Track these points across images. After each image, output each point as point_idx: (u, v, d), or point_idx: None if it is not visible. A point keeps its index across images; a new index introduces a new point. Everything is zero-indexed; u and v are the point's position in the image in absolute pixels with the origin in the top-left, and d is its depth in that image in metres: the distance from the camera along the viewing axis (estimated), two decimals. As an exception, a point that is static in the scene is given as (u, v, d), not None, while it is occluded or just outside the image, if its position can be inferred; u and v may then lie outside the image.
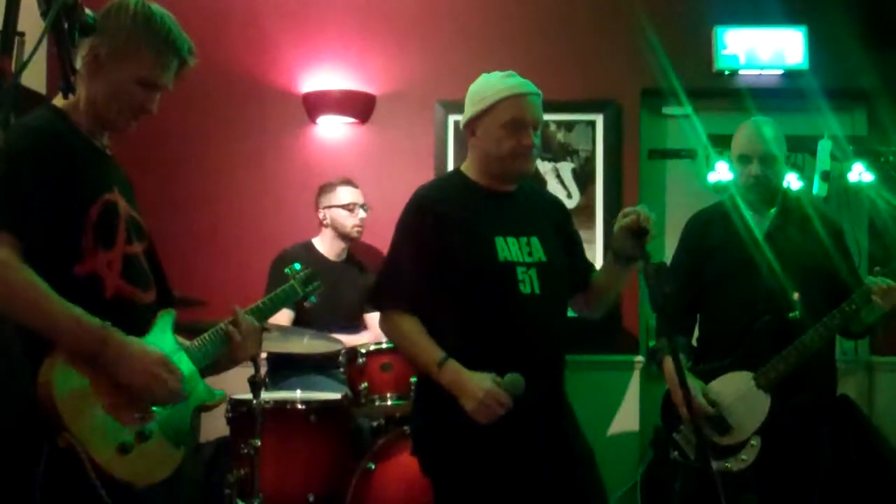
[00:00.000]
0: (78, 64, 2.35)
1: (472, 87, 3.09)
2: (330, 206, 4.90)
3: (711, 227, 3.77)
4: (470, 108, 3.05)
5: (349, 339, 4.49)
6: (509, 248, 2.95)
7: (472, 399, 2.80)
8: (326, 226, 4.91)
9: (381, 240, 5.18)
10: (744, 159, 3.67)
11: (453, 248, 2.94)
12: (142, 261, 2.54)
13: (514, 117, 2.96)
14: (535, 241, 3.01)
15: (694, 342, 3.82)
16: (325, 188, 4.96)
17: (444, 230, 2.95)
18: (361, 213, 4.91)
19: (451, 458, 2.91)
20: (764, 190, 3.66)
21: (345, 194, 4.92)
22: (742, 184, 3.71)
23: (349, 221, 4.89)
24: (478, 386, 2.80)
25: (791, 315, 3.53)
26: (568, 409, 3.08)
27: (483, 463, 2.85)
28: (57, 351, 2.25)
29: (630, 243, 2.88)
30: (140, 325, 2.46)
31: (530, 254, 2.98)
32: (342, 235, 4.91)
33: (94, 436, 2.26)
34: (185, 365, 2.54)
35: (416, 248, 2.98)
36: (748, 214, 3.69)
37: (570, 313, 3.19)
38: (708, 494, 3.44)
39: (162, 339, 2.51)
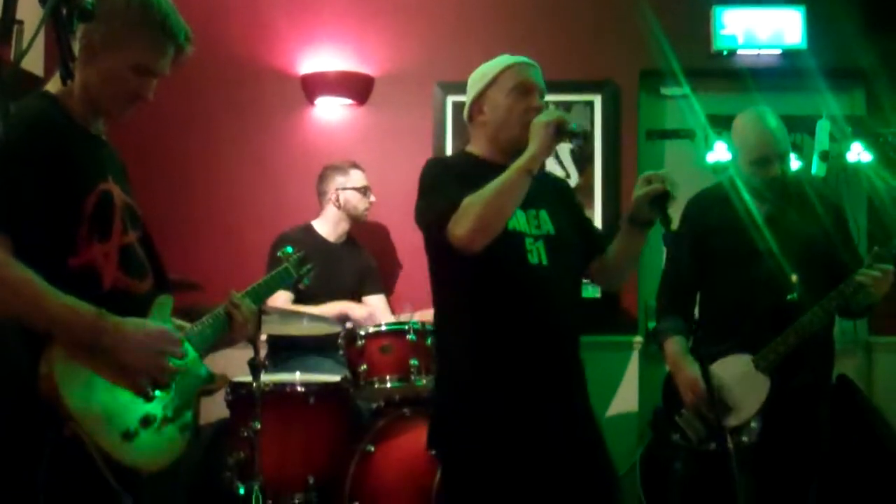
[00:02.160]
0: (75, 50, 2.31)
1: (473, 74, 3.12)
2: (345, 188, 4.91)
3: (711, 209, 3.75)
4: (473, 88, 3.08)
5: (346, 306, 4.59)
6: (517, 219, 2.94)
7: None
8: (338, 206, 4.91)
9: (380, 220, 5.20)
10: (764, 161, 3.59)
11: None
12: (137, 249, 2.51)
13: (520, 81, 3.01)
14: (543, 214, 3.01)
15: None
16: (337, 170, 4.96)
17: (462, 187, 2.90)
18: (372, 197, 4.95)
19: (462, 439, 2.90)
20: (782, 185, 3.65)
21: (358, 177, 4.95)
22: (760, 181, 3.63)
23: (362, 204, 4.92)
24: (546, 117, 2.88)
25: (790, 297, 3.52)
26: (581, 381, 3.06)
27: (495, 437, 2.85)
28: (56, 341, 2.24)
29: (650, 209, 2.88)
30: (138, 314, 2.43)
31: (538, 226, 2.98)
32: (353, 217, 4.93)
33: (99, 423, 2.26)
34: (186, 347, 2.52)
35: (450, 176, 2.97)
36: (748, 197, 3.67)
37: (587, 293, 3.17)
38: (708, 476, 3.46)
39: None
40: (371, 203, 4.95)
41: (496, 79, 3.03)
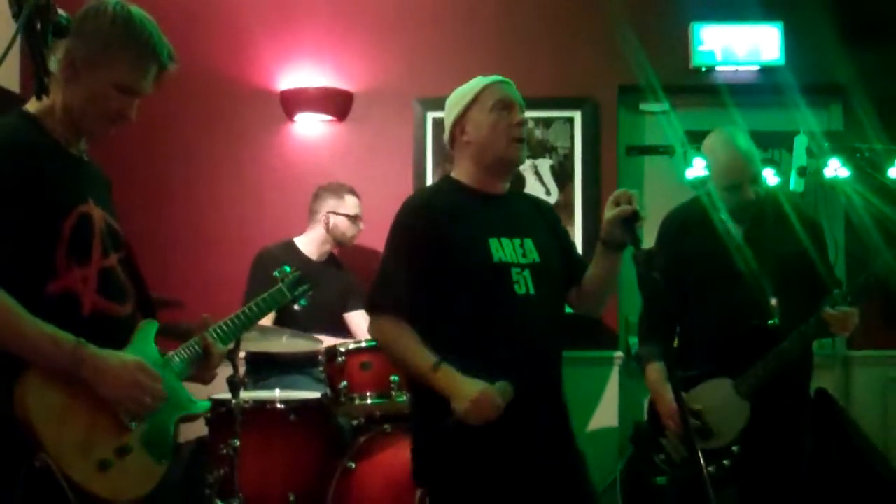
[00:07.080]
0: (52, 66, 2.26)
1: (449, 98, 3.15)
2: (336, 213, 4.88)
3: (688, 231, 3.73)
4: (453, 110, 3.10)
5: (332, 340, 4.51)
6: (503, 249, 2.96)
7: (465, 400, 2.78)
8: (326, 229, 4.89)
9: (360, 237, 5.20)
10: (736, 187, 3.59)
11: (448, 248, 2.93)
12: (119, 272, 2.48)
13: (500, 98, 3.05)
14: (528, 242, 3.03)
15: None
16: (332, 192, 4.93)
17: (439, 230, 2.95)
18: (361, 226, 4.93)
19: (449, 465, 2.90)
20: (755, 206, 3.63)
21: (352, 204, 4.92)
22: (734, 206, 3.63)
23: (350, 232, 4.90)
24: (472, 388, 2.79)
25: (770, 322, 3.52)
26: (564, 410, 3.07)
27: (481, 467, 2.84)
28: (33, 369, 2.21)
29: (621, 229, 2.87)
30: (120, 339, 2.41)
31: (524, 255, 3.00)
32: (340, 242, 4.92)
33: (73, 454, 2.23)
34: (169, 375, 2.50)
35: (411, 248, 2.96)
36: (726, 216, 3.66)
37: (568, 310, 3.19)
38: (694, 496, 3.46)
39: (144, 351, 2.46)
40: (360, 230, 4.93)
41: (477, 98, 3.05)
